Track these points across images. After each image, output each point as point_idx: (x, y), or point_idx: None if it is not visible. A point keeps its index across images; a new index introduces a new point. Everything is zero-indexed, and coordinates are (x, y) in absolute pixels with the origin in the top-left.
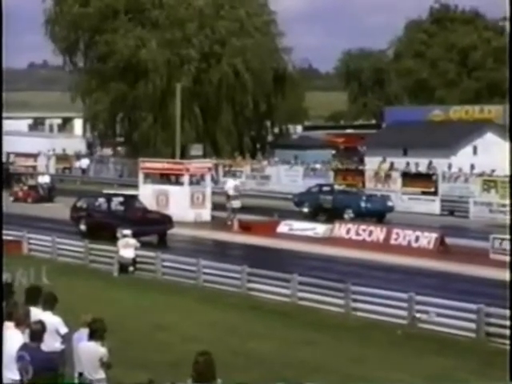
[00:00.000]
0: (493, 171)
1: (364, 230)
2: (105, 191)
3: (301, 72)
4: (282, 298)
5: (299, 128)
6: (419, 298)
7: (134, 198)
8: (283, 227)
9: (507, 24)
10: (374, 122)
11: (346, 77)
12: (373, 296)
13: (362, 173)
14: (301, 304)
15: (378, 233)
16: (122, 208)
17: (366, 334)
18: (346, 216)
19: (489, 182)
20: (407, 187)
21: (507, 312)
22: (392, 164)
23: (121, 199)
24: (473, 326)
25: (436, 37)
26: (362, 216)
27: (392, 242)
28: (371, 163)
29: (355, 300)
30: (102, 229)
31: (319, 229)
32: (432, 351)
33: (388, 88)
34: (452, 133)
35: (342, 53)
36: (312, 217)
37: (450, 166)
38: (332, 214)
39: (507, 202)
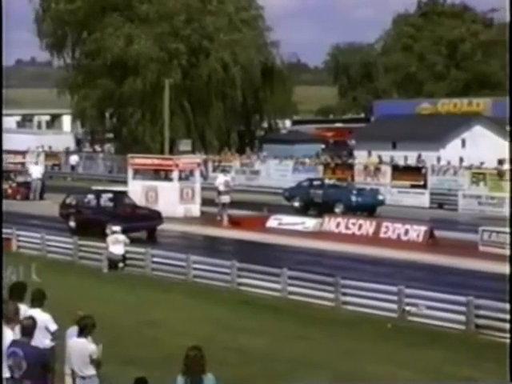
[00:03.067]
0: (481, 164)
1: (353, 224)
2: (94, 187)
3: (289, 66)
4: (273, 292)
5: (288, 122)
6: (409, 291)
7: (124, 194)
8: (273, 222)
9: (507, 16)
10: (363, 115)
11: (334, 71)
12: (362, 290)
13: (351, 167)
14: (291, 298)
15: (368, 226)
16: (111, 204)
17: (357, 327)
18: (336, 210)
19: (478, 175)
20: (396, 180)
21: (497, 304)
22: (381, 157)
23: (110, 195)
24: (462, 318)
25: (424, 30)
26: (352, 210)
27: (381, 235)
28: (360, 157)
29: (345, 294)
30: (91, 225)
31: (309, 223)
32: (422, 344)
33: (376, 82)
34: (440, 126)
35: (330, 47)
36: (303, 211)
37: (438, 159)
38: (322, 209)
39: (496, 194)
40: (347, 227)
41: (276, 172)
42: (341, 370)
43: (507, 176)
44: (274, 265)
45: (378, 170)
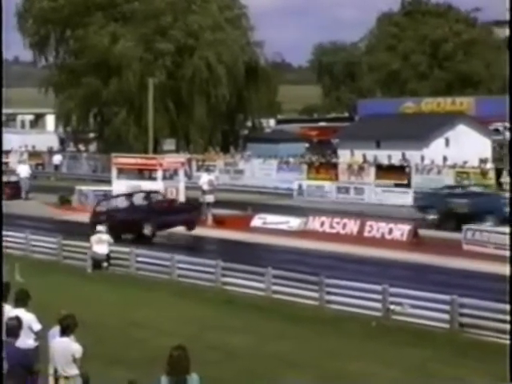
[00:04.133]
0: (465, 163)
1: (338, 223)
2: (77, 187)
3: (273, 66)
4: (257, 291)
5: (272, 122)
6: (393, 289)
7: (156, 192)
8: (257, 221)
9: (511, 15)
10: (347, 115)
11: (318, 70)
12: (347, 288)
13: (335, 166)
14: (275, 297)
15: (352, 225)
16: (144, 202)
17: (341, 326)
18: (486, 223)
19: (461, 174)
20: (380, 179)
21: (481, 302)
22: (365, 156)
23: (143, 195)
24: (446, 316)
25: (408, 30)
26: (503, 223)
27: (366, 234)
28: (344, 156)
29: (329, 293)
30: (126, 227)
31: (293, 222)
32: (407, 343)
33: (360, 81)
34: (424, 125)
35: (314, 46)
36: (440, 225)
37: (422, 158)
38: (467, 221)
39: None
40: (331, 226)
41: (260, 171)
42: (325, 369)
43: (491, 175)
44: (259, 264)
45: (361, 169)
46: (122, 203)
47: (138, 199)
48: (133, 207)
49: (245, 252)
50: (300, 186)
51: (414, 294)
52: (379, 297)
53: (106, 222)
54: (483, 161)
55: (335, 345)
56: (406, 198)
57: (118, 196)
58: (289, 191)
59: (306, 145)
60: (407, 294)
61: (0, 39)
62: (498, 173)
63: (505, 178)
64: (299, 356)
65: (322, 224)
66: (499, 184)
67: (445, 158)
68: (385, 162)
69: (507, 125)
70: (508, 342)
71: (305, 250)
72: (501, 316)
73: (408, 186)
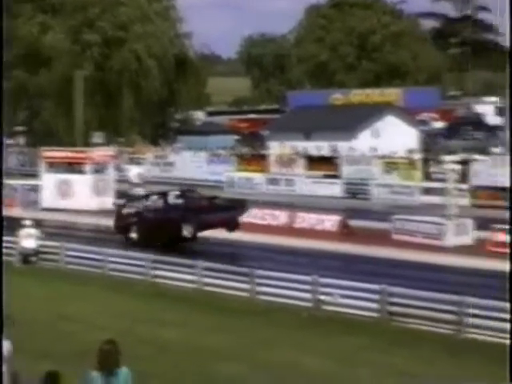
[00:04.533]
0: (393, 153)
1: (268, 215)
2: (6, 181)
3: (202, 58)
4: (188, 284)
5: (201, 114)
6: (323, 280)
7: (192, 190)
8: None
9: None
10: (277, 106)
11: (247, 62)
12: (277, 280)
13: (265, 158)
14: (207, 290)
15: (283, 217)
16: (180, 201)
17: (273, 317)
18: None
19: (390, 164)
20: (311, 171)
21: (410, 291)
22: (295, 148)
23: (177, 193)
24: (376, 306)
25: (336, 21)
26: None
27: (296, 225)
28: (274, 148)
29: (260, 284)
30: (161, 230)
31: None
32: (338, 332)
33: (289, 73)
34: (353, 116)
35: (243, 38)
36: None
37: (351, 149)
38: None
39: (408, 183)
40: (263, 218)
41: (191, 164)
42: (257, 360)
43: (418, 165)
44: (190, 256)
45: (292, 160)
46: (154, 203)
47: (172, 198)
48: (168, 207)
49: (177, 246)
50: (230, 178)
51: (344, 284)
52: (310, 287)
53: (137, 225)
54: (411, 151)
55: (267, 336)
56: (335, 189)
57: (147, 196)
58: (219, 183)
59: (236, 137)
60: (337, 285)
61: (1, 40)
62: (426, 163)
63: (433, 168)
64: (231, 348)
65: (253, 216)
66: (427, 174)
67: (373, 149)
68: (315, 153)
69: (434, 115)
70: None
71: (236, 241)
72: (429, 304)
73: (338, 177)
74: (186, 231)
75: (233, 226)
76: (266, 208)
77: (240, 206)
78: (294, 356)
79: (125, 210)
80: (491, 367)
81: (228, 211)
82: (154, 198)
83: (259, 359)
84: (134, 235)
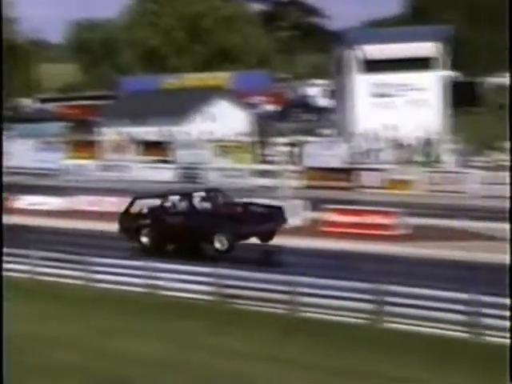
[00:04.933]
0: (225, 137)
1: (100, 201)
2: None
3: (31, 43)
4: (22, 274)
5: (31, 101)
6: (157, 265)
7: (218, 190)
8: (20, 202)
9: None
10: (110, 92)
11: (76, 48)
12: (112, 266)
13: (96, 144)
14: (41, 279)
15: (115, 203)
16: (208, 205)
17: (110, 305)
18: None
19: (223, 148)
20: (144, 156)
21: (243, 273)
22: (127, 134)
23: (203, 194)
24: (211, 289)
25: (166, 6)
26: None
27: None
28: (106, 134)
29: (95, 271)
30: (181, 237)
31: (55, 202)
32: (176, 317)
33: (120, 58)
34: (185, 100)
35: (70, 23)
36: None
37: (184, 133)
38: None
39: (239, 166)
40: (94, 205)
41: (20, 152)
42: (93, 348)
43: (249, 148)
44: (24, 246)
45: (125, 146)
46: (175, 205)
47: (198, 201)
48: (194, 211)
49: (6, 234)
50: (62, 166)
51: (181, 269)
52: (145, 273)
53: (150, 228)
54: (241, 134)
55: (103, 323)
56: (169, 174)
57: (165, 195)
58: (51, 171)
59: (68, 124)
60: (174, 269)
61: (0, 38)
62: (260, 146)
63: (267, 151)
64: (65, 335)
65: (85, 203)
66: (261, 156)
67: (210, 133)
68: (148, 138)
69: (265, 98)
70: None
71: (67, 229)
72: (262, 285)
73: (171, 161)
74: (219, 243)
75: (268, 237)
76: (98, 194)
77: (279, 214)
78: (130, 343)
79: (133, 209)
80: (319, 345)
81: (266, 221)
82: (175, 198)
83: (94, 346)
84: (145, 240)
